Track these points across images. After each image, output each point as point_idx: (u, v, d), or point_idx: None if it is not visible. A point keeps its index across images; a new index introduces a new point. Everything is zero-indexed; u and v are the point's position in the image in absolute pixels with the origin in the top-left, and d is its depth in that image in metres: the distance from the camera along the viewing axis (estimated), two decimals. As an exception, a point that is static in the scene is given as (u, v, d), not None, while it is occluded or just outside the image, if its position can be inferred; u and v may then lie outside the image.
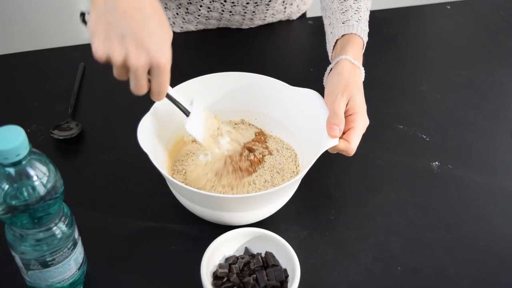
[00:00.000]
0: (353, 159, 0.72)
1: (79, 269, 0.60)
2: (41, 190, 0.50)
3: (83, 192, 0.74)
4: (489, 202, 0.77)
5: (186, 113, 0.69)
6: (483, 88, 1.00)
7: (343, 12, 0.79)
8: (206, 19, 1.05)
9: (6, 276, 0.63)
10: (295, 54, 1.07)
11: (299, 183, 0.70)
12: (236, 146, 0.74)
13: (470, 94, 0.98)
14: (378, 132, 0.86)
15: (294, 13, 1.12)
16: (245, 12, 1.03)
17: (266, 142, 0.79)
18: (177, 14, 1.06)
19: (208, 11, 1.02)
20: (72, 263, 0.58)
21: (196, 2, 1.01)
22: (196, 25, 1.07)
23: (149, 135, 0.69)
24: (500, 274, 0.68)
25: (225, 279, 0.61)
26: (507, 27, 1.17)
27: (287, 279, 0.62)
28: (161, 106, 0.71)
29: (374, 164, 0.82)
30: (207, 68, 0.80)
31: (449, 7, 1.23)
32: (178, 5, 1.04)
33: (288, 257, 0.62)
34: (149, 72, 0.59)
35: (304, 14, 1.17)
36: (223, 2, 1.00)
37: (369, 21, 0.82)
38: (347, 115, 0.70)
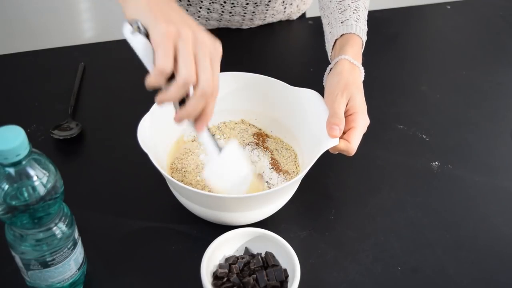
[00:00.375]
0: (353, 159, 0.72)
1: (79, 269, 0.60)
2: (41, 190, 0.50)
3: (83, 192, 0.74)
4: (489, 202, 0.77)
5: (218, 149, 0.63)
6: (483, 88, 1.00)
7: (342, 12, 0.79)
8: (206, 20, 1.05)
9: (6, 276, 0.63)
10: (295, 54, 1.07)
11: (299, 183, 0.70)
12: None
13: (470, 94, 0.98)
14: (378, 132, 0.86)
15: (294, 13, 1.12)
16: (245, 13, 1.03)
17: (265, 142, 0.79)
18: (177, 14, 1.05)
19: (208, 12, 1.02)
20: (72, 263, 0.58)
21: (196, 4, 1.01)
22: (196, 26, 1.07)
23: (149, 135, 0.69)
24: (500, 274, 0.68)
25: (225, 279, 0.61)
26: (507, 27, 1.17)
27: (287, 279, 0.62)
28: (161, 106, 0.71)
29: (374, 164, 0.82)
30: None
31: (449, 7, 1.23)
32: (178, 6, 1.04)
33: (288, 257, 0.62)
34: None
35: (304, 14, 1.17)
36: (222, 3, 1.00)
37: (369, 21, 0.82)
38: (347, 115, 0.70)
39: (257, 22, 1.08)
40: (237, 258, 0.63)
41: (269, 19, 1.08)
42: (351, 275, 0.66)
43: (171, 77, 0.54)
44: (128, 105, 0.88)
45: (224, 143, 0.65)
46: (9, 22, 2.22)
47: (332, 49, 0.79)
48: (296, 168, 0.76)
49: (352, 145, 0.68)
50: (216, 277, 0.62)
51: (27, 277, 0.58)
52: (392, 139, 0.87)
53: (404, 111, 0.93)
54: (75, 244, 0.58)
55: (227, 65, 0.82)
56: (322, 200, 0.76)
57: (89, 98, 0.90)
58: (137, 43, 0.55)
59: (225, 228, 0.66)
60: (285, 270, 0.62)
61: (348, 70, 0.73)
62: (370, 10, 0.84)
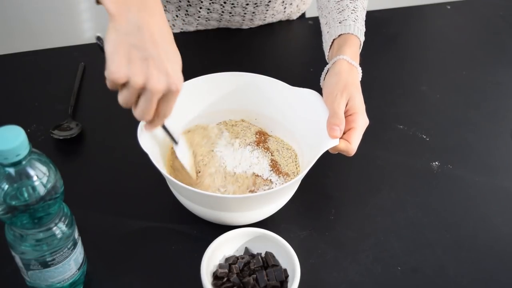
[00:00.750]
0: (353, 159, 0.72)
1: (79, 269, 0.60)
2: (41, 190, 0.50)
3: (83, 192, 0.74)
4: (489, 202, 0.77)
5: (175, 141, 0.71)
6: (483, 88, 1.00)
7: (340, 12, 0.79)
8: (206, 21, 1.05)
9: (6, 276, 0.63)
10: (295, 54, 1.07)
11: (299, 183, 0.70)
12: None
13: (470, 94, 0.98)
14: (378, 132, 0.86)
15: (294, 13, 1.12)
16: (245, 13, 1.03)
17: (266, 142, 0.79)
18: (176, 16, 1.06)
19: (208, 13, 1.02)
20: (72, 263, 0.58)
21: (196, 4, 1.01)
22: (196, 27, 1.07)
23: (149, 135, 0.69)
24: (500, 274, 0.68)
25: (225, 279, 0.61)
26: (507, 27, 1.17)
27: (287, 279, 0.62)
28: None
29: (374, 164, 0.82)
30: (207, 68, 0.80)
31: (449, 7, 1.23)
32: (177, 7, 1.04)
33: (288, 257, 0.62)
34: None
35: (303, 14, 1.17)
36: (222, 3, 1.00)
37: (368, 21, 0.82)
38: (347, 115, 0.70)
39: (257, 22, 1.08)
40: (237, 258, 0.63)
41: (269, 19, 1.08)
42: (351, 275, 0.66)
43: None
44: (128, 105, 0.88)
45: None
46: (9, 22, 2.22)
47: (330, 49, 0.79)
48: (296, 168, 0.76)
49: (352, 145, 0.68)
50: (216, 277, 0.62)
51: (27, 277, 0.58)
52: (392, 139, 0.87)
53: (404, 111, 0.93)
54: (75, 244, 0.58)
55: (227, 65, 0.83)
56: (322, 200, 0.76)
57: (89, 98, 0.90)
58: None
59: (225, 228, 0.66)
60: (285, 270, 0.62)
61: (346, 71, 0.73)
62: (370, 10, 0.84)
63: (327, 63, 0.78)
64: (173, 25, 1.07)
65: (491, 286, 0.66)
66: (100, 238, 0.68)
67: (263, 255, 0.64)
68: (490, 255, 0.70)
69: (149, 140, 0.68)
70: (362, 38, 0.78)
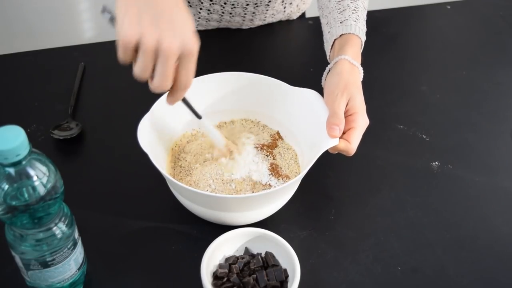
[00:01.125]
0: (353, 159, 0.72)
1: (79, 269, 0.60)
2: (41, 190, 0.50)
3: (83, 192, 0.74)
4: (490, 202, 0.77)
5: (199, 116, 0.69)
6: (483, 88, 1.00)
7: (341, 12, 0.79)
8: (206, 21, 1.05)
9: (6, 276, 0.63)
10: (295, 54, 1.07)
11: (299, 183, 0.70)
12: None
13: (470, 94, 0.98)
14: (378, 132, 0.86)
15: (294, 13, 1.12)
16: (245, 14, 1.03)
17: (277, 146, 0.78)
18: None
19: (208, 14, 1.02)
20: (72, 263, 0.58)
21: (196, 5, 1.01)
22: (196, 27, 1.07)
23: (149, 135, 0.69)
24: (500, 274, 0.68)
25: (225, 279, 0.61)
26: (507, 27, 1.17)
27: (287, 279, 0.62)
28: (161, 106, 0.71)
29: (374, 164, 0.82)
30: (207, 68, 0.80)
31: (449, 7, 1.23)
32: (178, 7, 1.04)
33: (288, 257, 0.62)
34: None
35: (303, 14, 1.17)
36: (223, 4, 1.00)
37: (369, 21, 0.82)
38: (347, 115, 0.70)
39: (257, 22, 1.08)
40: (237, 258, 0.63)
41: (269, 19, 1.08)
42: (351, 275, 0.66)
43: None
44: (128, 105, 0.88)
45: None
46: (9, 22, 2.22)
47: (331, 49, 0.79)
48: (296, 168, 0.76)
49: (352, 145, 0.68)
50: (216, 277, 0.62)
51: (27, 277, 0.58)
52: (392, 139, 0.87)
53: (404, 111, 0.93)
54: (75, 244, 0.58)
55: (227, 65, 0.83)
56: (322, 200, 0.76)
57: (89, 98, 0.90)
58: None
59: (225, 228, 0.66)
60: (285, 270, 0.62)
61: (348, 71, 0.73)
62: (370, 10, 0.84)
63: (327, 63, 0.78)
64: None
65: (491, 286, 0.66)
66: (100, 238, 0.68)
67: (263, 255, 0.64)
68: (490, 255, 0.70)
69: (149, 140, 0.68)
70: (364, 38, 0.78)
